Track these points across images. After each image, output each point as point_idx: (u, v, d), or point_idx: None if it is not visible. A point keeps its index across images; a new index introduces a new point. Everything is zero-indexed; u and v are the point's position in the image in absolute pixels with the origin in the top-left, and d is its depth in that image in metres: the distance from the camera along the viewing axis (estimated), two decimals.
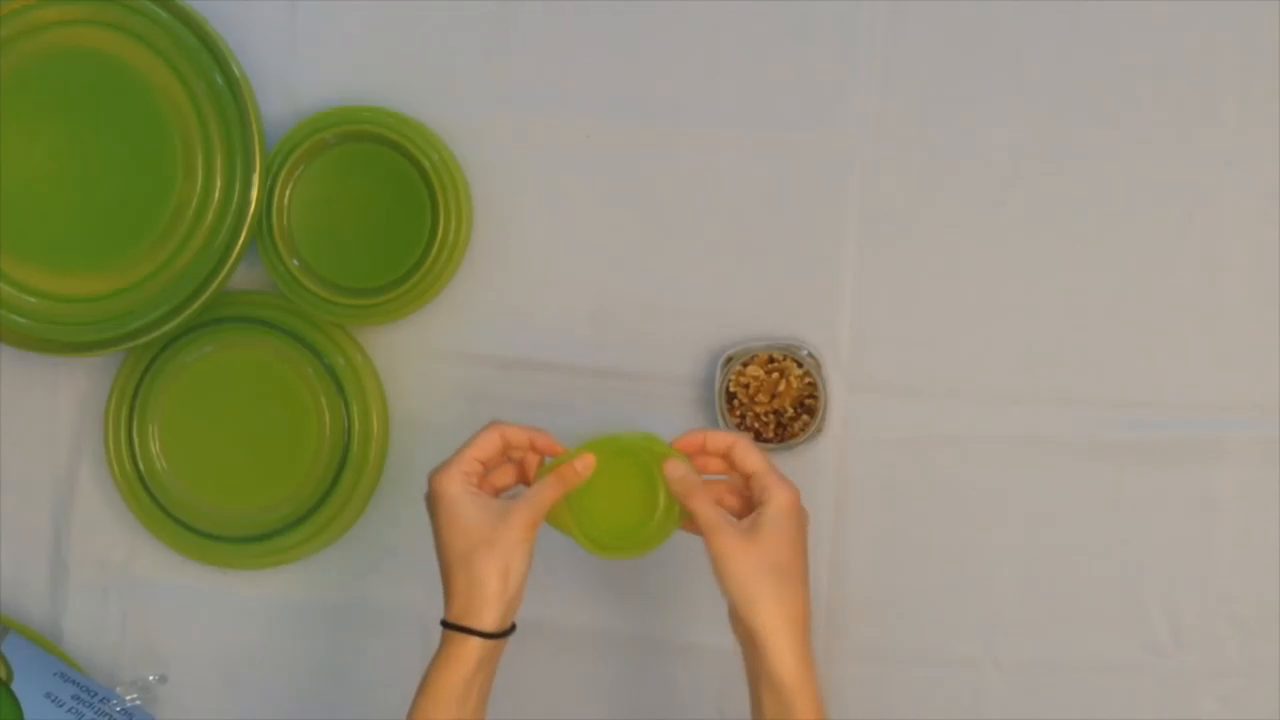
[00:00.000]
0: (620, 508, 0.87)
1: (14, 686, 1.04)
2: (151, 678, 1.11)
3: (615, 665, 1.08)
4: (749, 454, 0.84)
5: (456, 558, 0.82)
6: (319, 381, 1.07)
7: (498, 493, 0.88)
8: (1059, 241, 1.03)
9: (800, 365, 1.03)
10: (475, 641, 0.80)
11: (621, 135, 1.06)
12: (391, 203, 1.05)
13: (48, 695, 1.05)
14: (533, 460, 0.88)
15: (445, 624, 0.82)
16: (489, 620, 0.80)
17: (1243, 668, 1.04)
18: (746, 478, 0.85)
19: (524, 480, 0.89)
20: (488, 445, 0.85)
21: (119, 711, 1.06)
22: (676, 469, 0.85)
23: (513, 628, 0.84)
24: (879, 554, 1.04)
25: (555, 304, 1.07)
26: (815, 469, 1.04)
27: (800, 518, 0.82)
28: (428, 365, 1.09)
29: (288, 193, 1.06)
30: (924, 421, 1.03)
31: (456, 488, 0.83)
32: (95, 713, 1.05)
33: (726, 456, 0.86)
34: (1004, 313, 1.04)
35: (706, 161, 1.05)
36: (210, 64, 1.03)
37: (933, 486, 1.04)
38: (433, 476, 0.85)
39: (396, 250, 1.05)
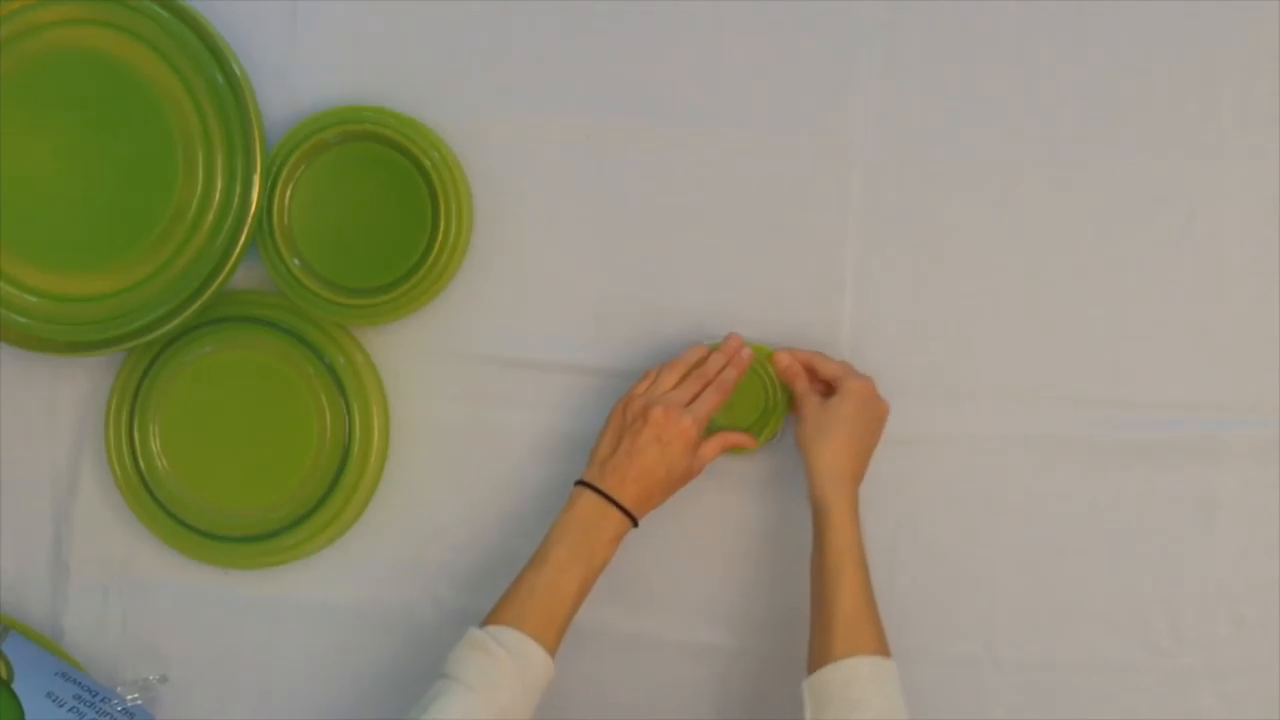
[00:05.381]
0: (742, 409, 1.04)
1: (15, 686, 1.04)
2: (151, 678, 1.11)
3: (615, 665, 1.08)
4: (826, 365, 1.02)
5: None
6: (319, 381, 1.07)
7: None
8: (1059, 241, 1.04)
9: None
10: (616, 514, 0.96)
11: (621, 135, 1.06)
12: (392, 202, 1.05)
13: (49, 695, 1.04)
14: (715, 362, 1.02)
15: (582, 482, 0.97)
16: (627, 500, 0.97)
17: (1243, 668, 1.04)
18: (830, 381, 1.02)
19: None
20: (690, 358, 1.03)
21: (119, 711, 1.06)
22: (783, 358, 1.03)
23: (635, 523, 0.98)
24: (879, 554, 1.04)
25: (555, 304, 1.07)
26: None
27: (861, 398, 0.99)
28: (428, 365, 1.09)
29: (288, 192, 1.06)
30: (924, 421, 1.03)
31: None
32: (96, 712, 1.05)
33: (810, 370, 1.02)
34: (1004, 313, 1.04)
35: (707, 161, 1.05)
36: (210, 63, 1.03)
37: (933, 486, 1.04)
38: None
39: (397, 250, 1.05)
